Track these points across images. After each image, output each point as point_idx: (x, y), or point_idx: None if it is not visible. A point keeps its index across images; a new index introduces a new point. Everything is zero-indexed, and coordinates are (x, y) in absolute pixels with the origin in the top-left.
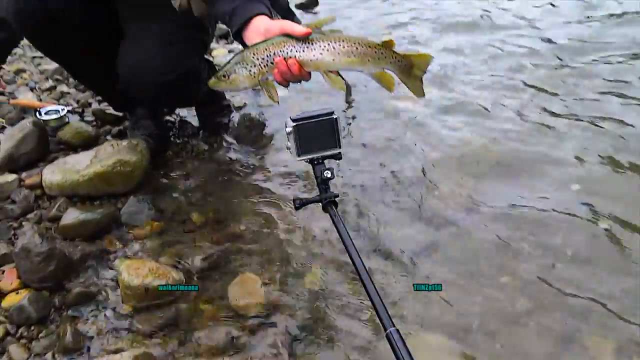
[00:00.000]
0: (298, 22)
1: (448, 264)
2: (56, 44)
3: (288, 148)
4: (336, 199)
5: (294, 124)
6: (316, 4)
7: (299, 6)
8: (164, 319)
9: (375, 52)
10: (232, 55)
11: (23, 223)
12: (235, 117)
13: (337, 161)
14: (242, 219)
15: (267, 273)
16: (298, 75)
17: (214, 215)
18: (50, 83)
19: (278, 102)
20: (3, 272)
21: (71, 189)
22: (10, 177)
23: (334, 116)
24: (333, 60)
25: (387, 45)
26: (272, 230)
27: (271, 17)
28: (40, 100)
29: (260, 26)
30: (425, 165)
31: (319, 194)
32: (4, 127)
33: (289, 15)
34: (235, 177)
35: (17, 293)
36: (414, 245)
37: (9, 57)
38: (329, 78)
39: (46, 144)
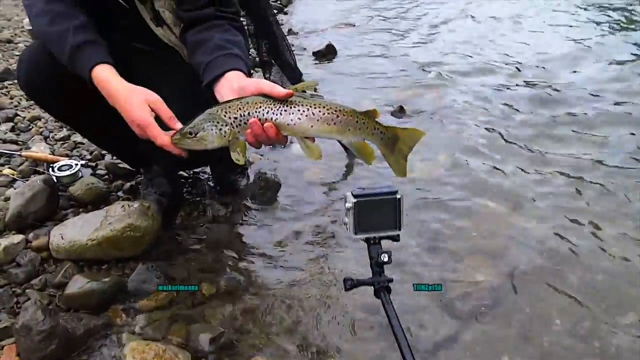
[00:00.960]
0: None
1: None
2: (67, 109)
3: (344, 224)
4: (390, 284)
5: (355, 199)
6: (334, 53)
7: (316, 54)
8: None
9: (357, 121)
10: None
11: (27, 290)
12: (250, 174)
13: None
14: (256, 291)
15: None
16: (274, 139)
17: (226, 285)
18: (64, 132)
19: (245, 164)
20: (2, 347)
21: (79, 253)
22: (17, 238)
23: (398, 196)
24: (311, 126)
25: (370, 114)
26: (291, 307)
27: (247, 75)
28: (54, 152)
29: (234, 82)
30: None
31: (372, 276)
32: (15, 180)
33: (294, 73)
34: (249, 243)
35: None
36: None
37: (25, 103)
38: (306, 145)
39: (56, 201)
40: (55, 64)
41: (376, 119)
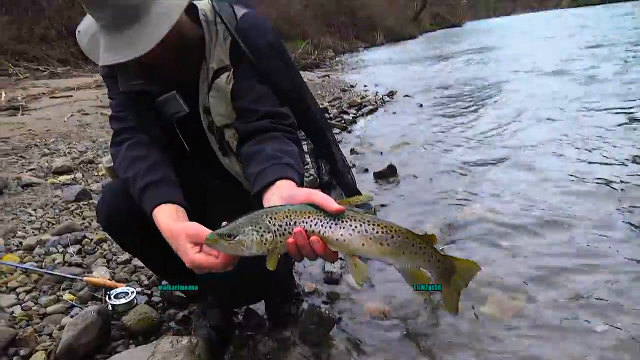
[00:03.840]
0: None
1: None
2: (141, 247)
3: None
4: None
5: None
6: (395, 173)
7: (377, 175)
8: None
9: (414, 245)
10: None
11: None
12: (304, 307)
13: None
14: None
15: None
16: (321, 254)
17: None
18: (126, 256)
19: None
20: None
21: None
22: None
23: None
24: (362, 245)
25: (428, 240)
26: None
27: (300, 186)
28: (114, 277)
29: (284, 190)
30: None
31: None
32: (73, 307)
33: (354, 195)
34: None
35: None
36: None
37: (95, 224)
38: (354, 265)
39: (107, 334)
40: (134, 205)
41: (434, 246)
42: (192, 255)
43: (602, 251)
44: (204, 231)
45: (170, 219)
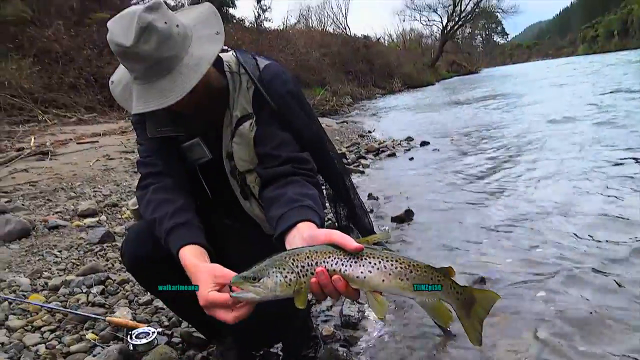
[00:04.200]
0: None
1: None
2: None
3: None
4: None
5: None
6: (412, 217)
7: (395, 219)
8: None
9: (432, 278)
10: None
11: None
12: (322, 350)
13: None
14: None
15: None
16: (343, 292)
17: None
18: (147, 297)
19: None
20: None
21: None
22: None
23: None
24: (382, 280)
25: (447, 272)
26: None
27: (320, 228)
28: (135, 317)
29: (305, 231)
30: None
31: None
32: (95, 346)
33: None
34: None
35: None
36: None
37: (118, 265)
38: (375, 300)
39: None
40: (157, 246)
41: (452, 278)
42: (206, 293)
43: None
44: (229, 273)
45: (195, 257)
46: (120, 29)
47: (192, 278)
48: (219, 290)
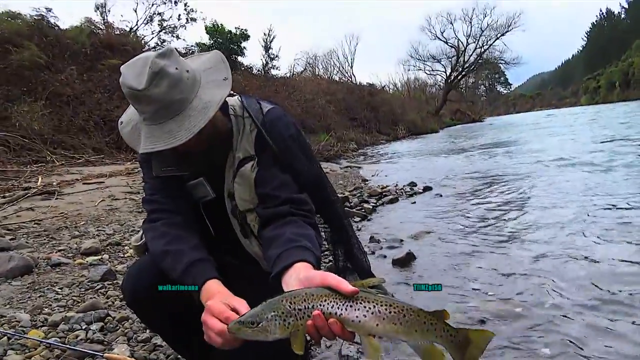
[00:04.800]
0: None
1: None
2: (166, 325)
3: None
4: None
5: None
6: (412, 260)
7: (396, 262)
8: None
9: (425, 322)
10: (264, 302)
11: None
12: None
13: None
14: None
15: None
16: (339, 334)
17: None
18: (146, 334)
19: (302, 353)
20: None
21: None
22: None
23: None
24: (376, 324)
25: (439, 315)
26: None
27: (316, 268)
28: (133, 354)
29: (301, 272)
30: None
31: None
32: None
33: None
34: None
35: None
36: None
37: (118, 303)
38: (369, 343)
39: None
40: (158, 280)
41: (445, 321)
42: (215, 308)
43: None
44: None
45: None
46: (133, 73)
47: (208, 296)
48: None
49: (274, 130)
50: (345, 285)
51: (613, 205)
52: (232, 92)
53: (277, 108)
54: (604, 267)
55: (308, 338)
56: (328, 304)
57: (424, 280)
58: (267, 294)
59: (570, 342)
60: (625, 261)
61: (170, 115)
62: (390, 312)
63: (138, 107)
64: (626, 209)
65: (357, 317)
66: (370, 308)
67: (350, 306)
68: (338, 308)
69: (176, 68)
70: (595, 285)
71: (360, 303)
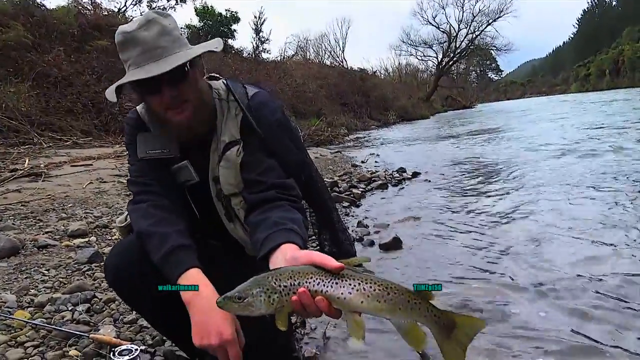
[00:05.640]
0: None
1: None
2: (148, 306)
3: None
4: None
5: None
6: (400, 245)
7: (382, 246)
8: None
9: (408, 300)
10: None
11: None
12: None
13: None
14: None
15: None
16: (326, 311)
17: None
18: (133, 315)
19: (285, 329)
20: None
21: None
22: None
23: None
24: (361, 302)
25: (424, 295)
26: None
27: (302, 249)
28: (119, 335)
29: (288, 252)
30: None
31: None
32: None
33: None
34: None
35: None
36: None
37: (105, 285)
38: (354, 321)
39: None
40: (143, 264)
41: (430, 301)
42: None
43: None
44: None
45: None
46: (129, 23)
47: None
48: None
49: (260, 115)
50: (330, 261)
51: (600, 189)
52: (216, 75)
53: (262, 92)
54: (593, 250)
55: (294, 319)
56: (314, 281)
57: (410, 264)
58: (250, 276)
59: (561, 329)
60: (612, 245)
61: (154, 59)
62: (374, 290)
63: (125, 54)
64: (610, 191)
65: (342, 294)
66: (355, 285)
67: (336, 283)
68: (324, 285)
69: (169, 24)
70: (589, 273)
71: (346, 280)
